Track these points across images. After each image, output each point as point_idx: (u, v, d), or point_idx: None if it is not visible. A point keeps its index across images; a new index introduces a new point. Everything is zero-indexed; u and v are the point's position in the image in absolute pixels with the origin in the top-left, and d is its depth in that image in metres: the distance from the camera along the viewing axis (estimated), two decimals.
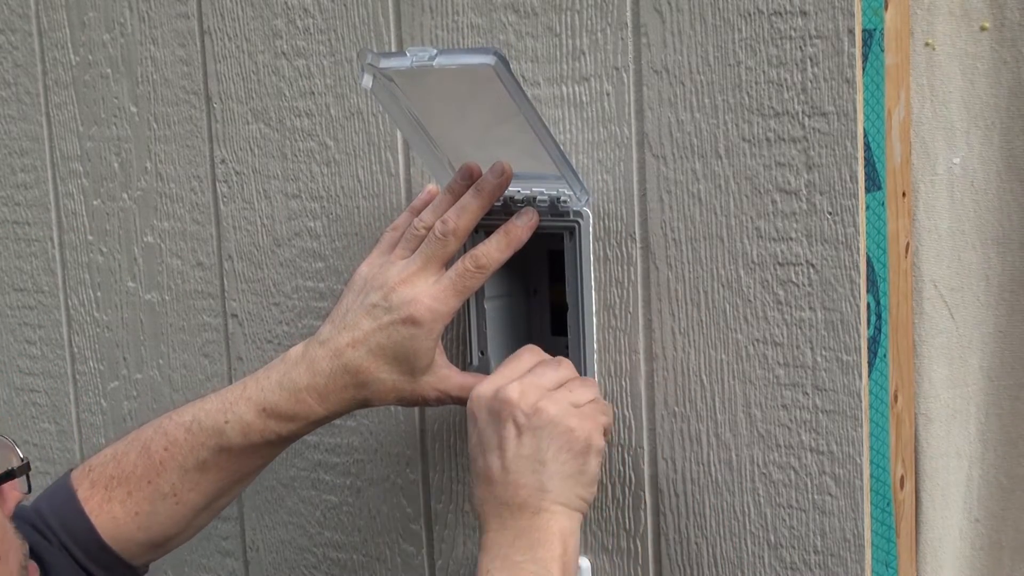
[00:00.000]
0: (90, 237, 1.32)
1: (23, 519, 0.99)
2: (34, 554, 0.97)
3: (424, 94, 0.97)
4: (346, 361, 0.97)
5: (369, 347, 0.97)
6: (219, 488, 1.03)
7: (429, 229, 0.97)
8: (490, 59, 0.88)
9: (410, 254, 0.98)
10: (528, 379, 0.94)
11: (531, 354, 0.98)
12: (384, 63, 0.94)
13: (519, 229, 0.98)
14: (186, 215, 1.25)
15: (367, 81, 0.96)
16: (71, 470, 1.04)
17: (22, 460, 0.89)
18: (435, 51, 0.91)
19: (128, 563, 1.03)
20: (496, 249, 0.97)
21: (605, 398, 1.01)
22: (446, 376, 1.00)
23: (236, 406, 1.00)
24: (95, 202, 1.31)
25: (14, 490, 0.89)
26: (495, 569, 0.90)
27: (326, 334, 0.99)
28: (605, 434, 0.96)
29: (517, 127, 0.93)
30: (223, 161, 1.21)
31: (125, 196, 1.29)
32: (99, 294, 1.33)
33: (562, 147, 0.97)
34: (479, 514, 0.94)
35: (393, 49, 1.08)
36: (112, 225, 1.30)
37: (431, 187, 1.04)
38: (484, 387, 0.95)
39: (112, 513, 1.01)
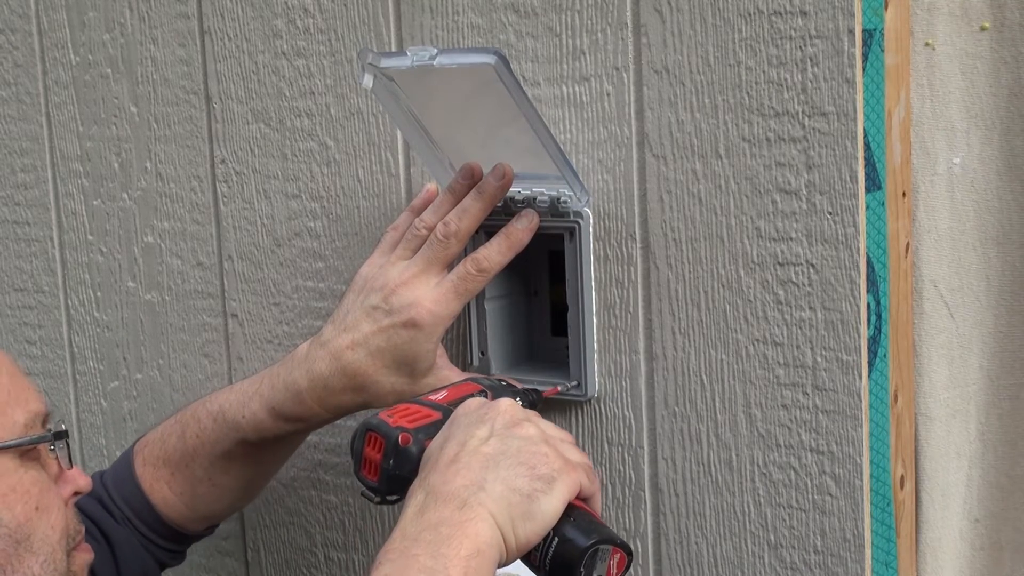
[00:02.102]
0: (90, 237, 1.32)
1: (94, 495, 1.05)
2: (101, 530, 1.04)
3: (425, 94, 0.97)
4: (345, 364, 0.97)
5: (368, 350, 0.97)
6: (250, 473, 1.07)
7: (430, 230, 0.97)
8: (491, 59, 0.88)
9: (411, 255, 0.98)
10: (525, 408, 0.89)
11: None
12: (385, 63, 0.94)
13: (520, 232, 0.98)
14: (186, 215, 1.25)
15: (367, 81, 0.96)
16: (137, 440, 1.09)
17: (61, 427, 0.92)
18: (436, 51, 0.91)
19: (185, 533, 1.08)
20: (498, 252, 0.97)
21: (605, 398, 1.01)
22: (447, 378, 0.99)
23: (252, 403, 1.02)
24: (95, 202, 1.31)
25: (80, 477, 0.93)
26: (388, 561, 0.77)
27: (327, 335, 0.99)
28: (581, 495, 0.84)
29: (517, 128, 0.93)
30: (223, 161, 1.21)
31: (125, 196, 1.29)
32: (99, 294, 1.33)
33: (562, 147, 0.97)
34: (404, 504, 0.82)
35: (393, 49, 1.08)
36: (112, 225, 1.30)
37: (430, 186, 1.04)
38: (475, 400, 0.89)
39: (162, 492, 1.06)
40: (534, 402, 0.96)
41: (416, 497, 0.81)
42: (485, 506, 0.79)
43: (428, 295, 0.96)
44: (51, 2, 1.30)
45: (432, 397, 0.91)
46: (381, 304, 0.97)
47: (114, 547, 1.04)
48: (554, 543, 0.82)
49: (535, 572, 0.84)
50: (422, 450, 0.86)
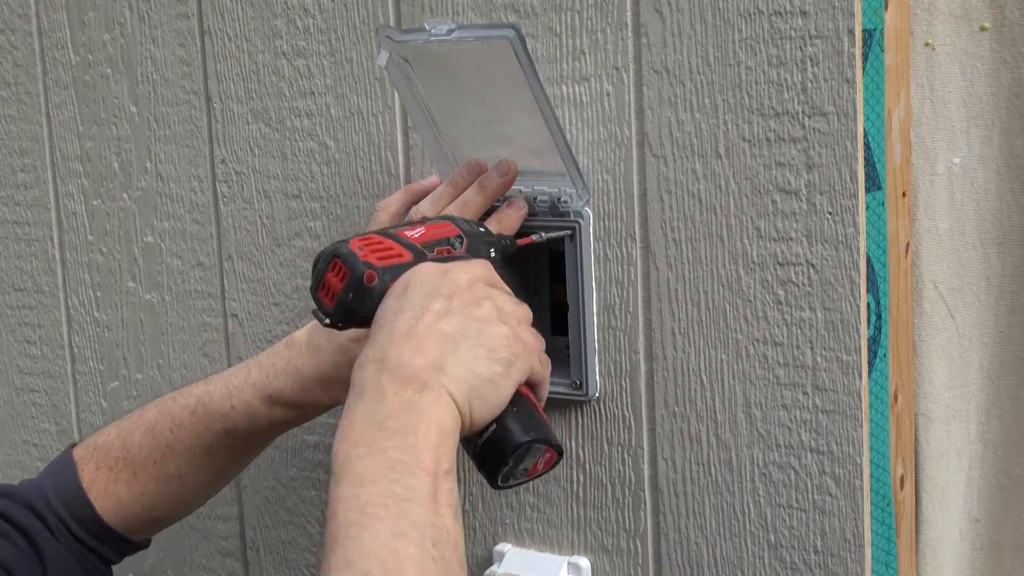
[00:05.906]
0: (90, 237, 1.32)
1: (26, 501, 1.00)
2: (29, 539, 0.98)
3: (436, 81, 0.98)
4: (352, 356, 0.98)
5: None
6: (224, 468, 1.04)
7: None
8: (508, 32, 0.88)
9: None
10: (484, 274, 0.87)
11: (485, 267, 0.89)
12: (402, 37, 0.94)
13: (511, 218, 0.98)
14: (186, 215, 1.25)
15: (383, 58, 0.96)
16: (72, 445, 1.05)
17: None
18: (454, 25, 0.91)
19: (129, 539, 1.04)
20: None
21: (605, 398, 1.01)
22: None
23: (242, 392, 1.00)
24: (95, 202, 1.31)
25: None
26: (358, 457, 0.76)
27: None
28: (531, 382, 0.86)
29: (523, 123, 0.93)
30: (223, 161, 1.21)
31: (125, 196, 1.29)
32: (99, 294, 1.33)
33: (567, 136, 0.97)
34: (355, 379, 0.81)
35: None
36: (112, 225, 1.30)
37: (433, 178, 1.05)
38: (431, 265, 0.86)
39: (118, 495, 1.02)
40: (507, 248, 0.94)
41: (368, 371, 0.80)
42: (446, 388, 0.79)
43: None
44: (51, 2, 1.30)
45: (407, 233, 0.88)
46: None
47: (44, 558, 0.98)
48: (491, 429, 0.82)
49: (465, 450, 0.84)
50: (384, 291, 0.84)
